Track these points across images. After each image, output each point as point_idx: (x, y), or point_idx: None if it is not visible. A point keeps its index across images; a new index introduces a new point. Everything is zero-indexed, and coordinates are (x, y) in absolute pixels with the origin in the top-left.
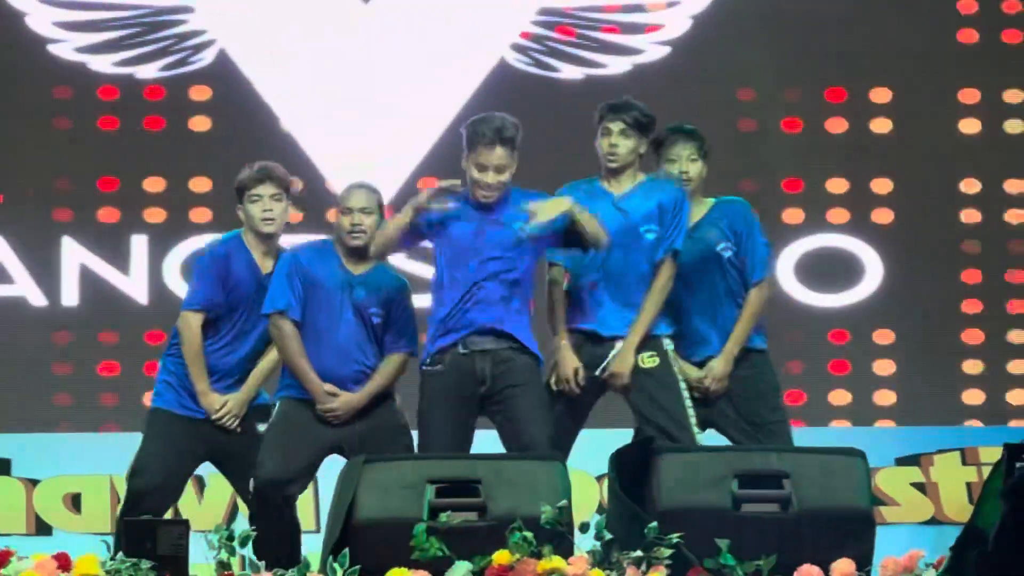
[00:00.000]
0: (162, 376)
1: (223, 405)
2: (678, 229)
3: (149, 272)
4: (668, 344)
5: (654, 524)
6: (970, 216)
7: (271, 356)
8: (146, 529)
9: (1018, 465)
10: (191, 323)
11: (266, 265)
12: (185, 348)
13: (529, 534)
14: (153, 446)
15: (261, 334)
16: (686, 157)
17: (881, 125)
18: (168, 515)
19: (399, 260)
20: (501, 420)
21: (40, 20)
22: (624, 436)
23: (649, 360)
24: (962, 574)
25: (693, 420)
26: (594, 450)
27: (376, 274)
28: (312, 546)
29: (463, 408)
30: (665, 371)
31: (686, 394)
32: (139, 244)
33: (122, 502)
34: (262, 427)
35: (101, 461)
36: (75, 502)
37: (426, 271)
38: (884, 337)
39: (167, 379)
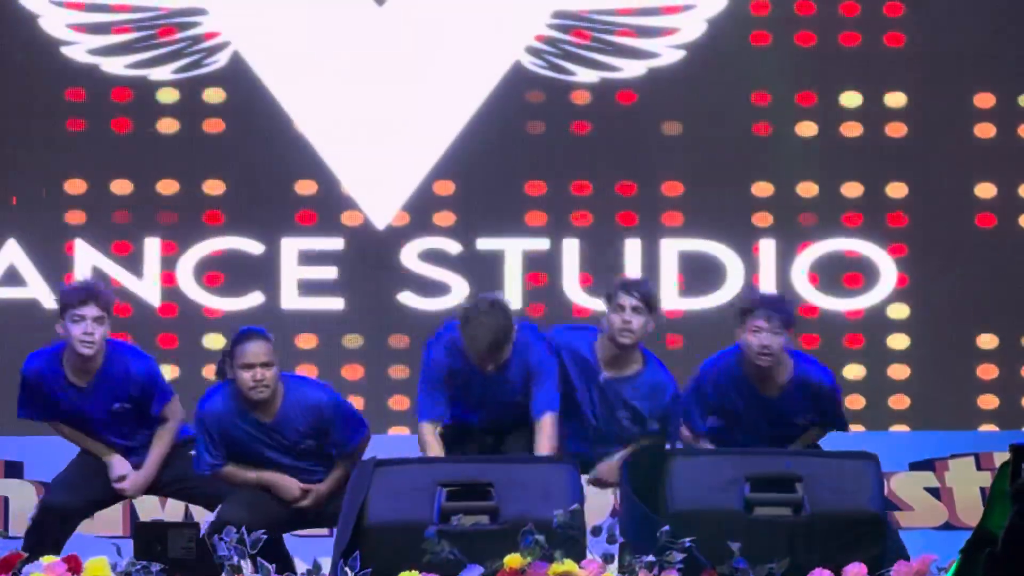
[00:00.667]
0: None
1: (121, 477)
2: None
3: (161, 275)
4: None
5: (666, 528)
6: (985, 221)
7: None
8: (157, 532)
9: None
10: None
11: (81, 381)
12: None
13: (541, 537)
14: (78, 471)
15: (114, 422)
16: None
17: (896, 129)
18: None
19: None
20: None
21: (53, 22)
22: None
23: None
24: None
25: None
26: None
27: (288, 413)
28: (323, 550)
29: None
30: None
31: None
32: (151, 247)
33: (35, 510)
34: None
35: None
36: None
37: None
38: (899, 342)
39: None
